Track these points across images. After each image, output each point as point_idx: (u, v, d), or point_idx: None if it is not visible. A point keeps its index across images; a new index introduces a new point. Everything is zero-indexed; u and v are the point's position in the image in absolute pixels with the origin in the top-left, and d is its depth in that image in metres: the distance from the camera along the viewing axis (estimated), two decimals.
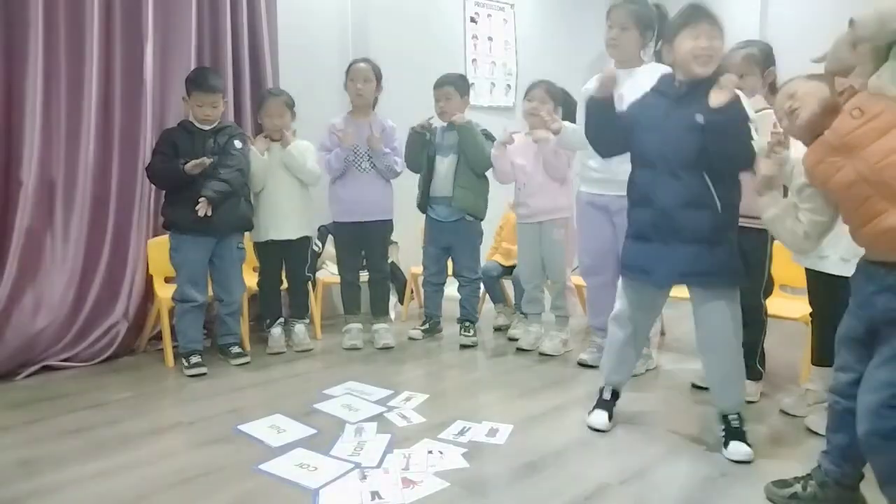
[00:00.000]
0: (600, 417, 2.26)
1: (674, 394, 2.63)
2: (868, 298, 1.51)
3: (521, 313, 3.45)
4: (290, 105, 3.20)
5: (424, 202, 3.39)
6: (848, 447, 1.61)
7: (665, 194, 1.98)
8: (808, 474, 1.72)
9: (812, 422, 2.17)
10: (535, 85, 3.10)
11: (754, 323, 2.49)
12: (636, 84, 2.36)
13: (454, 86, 3.26)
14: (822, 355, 2.17)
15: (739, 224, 2.37)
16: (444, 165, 3.31)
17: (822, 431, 2.07)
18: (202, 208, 2.79)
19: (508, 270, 3.66)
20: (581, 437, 2.22)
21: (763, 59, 2.33)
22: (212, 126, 2.93)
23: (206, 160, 2.81)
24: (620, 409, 2.37)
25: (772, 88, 2.35)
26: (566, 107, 3.10)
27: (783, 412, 2.36)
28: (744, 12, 4.92)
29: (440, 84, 3.27)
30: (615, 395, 2.31)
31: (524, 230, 3.23)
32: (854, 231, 1.53)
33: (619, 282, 2.23)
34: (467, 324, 3.41)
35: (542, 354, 3.16)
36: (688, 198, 1.95)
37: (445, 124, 3.33)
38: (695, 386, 2.64)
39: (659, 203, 1.99)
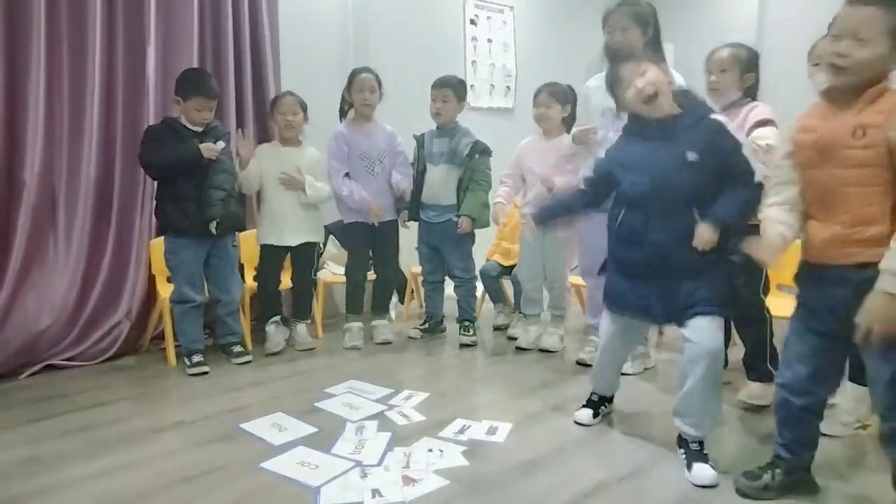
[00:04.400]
0: (584, 413, 2.33)
1: (671, 393, 2.64)
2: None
3: (521, 313, 3.46)
4: (304, 107, 3.22)
5: (415, 211, 3.41)
6: (805, 438, 1.76)
7: (658, 234, 1.93)
8: (772, 462, 1.79)
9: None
10: (539, 90, 3.13)
11: (757, 319, 2.48)
12: None
13: (453, 89, 3.27)
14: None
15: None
16: (436, 175, 3.32)
17: (828, 432, 2.08)
18: (213, 228, 2.85)
19: (508, 270, 3.68)
20: (580, 435, 2.24)
21: (746, 61, 2.39)
22: (203, 128, 2.93)
23: (220, 145, 2.87)
24: (619, 407, 2.39)
25: (747, 93, 2.41)
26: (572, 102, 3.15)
27: None
28: (742, 14, 4.94)
29: (439, 85, 3.28)
30: (603, 398, 2.36)
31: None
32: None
33: (605, 314, 2.19)
34: (466, 323, 3.42)
35: (541, 351, 3.20)
36: (682, 235, 1.90)
37: (435, 129, 3.36)
38: None
39: (652, 242, 1.94)
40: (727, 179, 1.90)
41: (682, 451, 1.99)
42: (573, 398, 2.54)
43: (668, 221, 1.92)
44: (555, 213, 2.30)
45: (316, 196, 3.20)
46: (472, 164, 3.26)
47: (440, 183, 3.31)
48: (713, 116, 1.95)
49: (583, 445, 2.16)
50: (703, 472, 1.89)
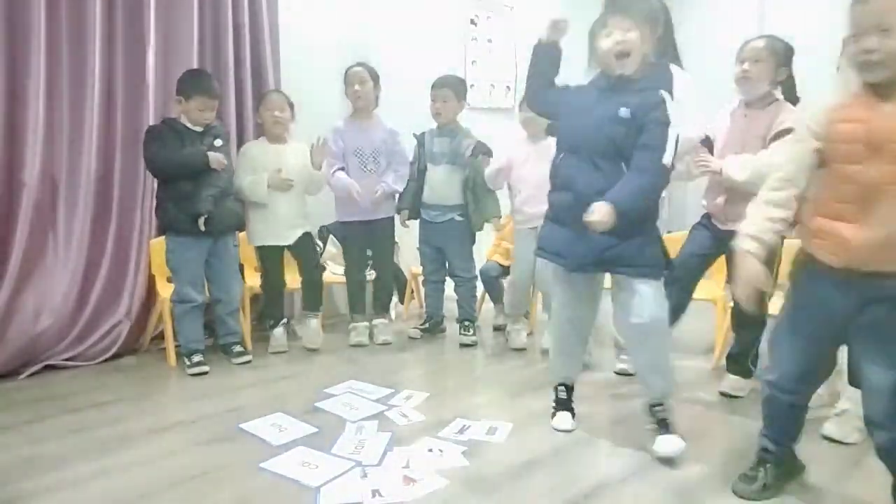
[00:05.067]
0: (564, 419, 2.28)
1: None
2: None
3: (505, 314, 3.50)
4: (291, 105, 3.22)
5: (416, 210, 3.41)
6: (792, 428, 1.78)
7: (584, 181, 1.99)
8: (761, 459, 1.81)
9: (830, 430, 2.16)
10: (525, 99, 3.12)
11: (757, 322, 2.50)
12: None
13: (452, 89, 3.28)
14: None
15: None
16: (437, 175, 3.33)
17: (842, 438, 2.10)
18: (202, 224, 2.84)
19: (508, 270, 3.67)
20: (580, 435, 2.24)
21: (782, 54, 2.34)
22: (203, 128, 2.94)
23: (219, 143, 2.90)
24: (619, 407, 2.39)
25: (786, 91, 2.38)
26: None
27: None
28: (742, 14, 4.93)
29: (438, 85, 3.29)
30: (570, 390, 2.34)
31: (521, 235, 3.23)
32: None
33: (550, 274, 2.25)
34: (466, 323, 3.43)
35: (544, 352, 3.20)
36: (605, 186, 1.95)
37: (436, 128, 3.36)
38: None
39: (577, 189, 2.00)
40: (639, 149, 1.93)
41: (650, 419, 2.11)
42: (573, 398, 2.54)
43: (595, 171, 1.98)
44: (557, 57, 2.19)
45: (316, 184, 3.22)
46: (476, 164, 3.27)
47: (442, 183, 3.32)
48: (661, 91, 1.97)
49: (583, 445, 2.16)
50: (664, 444, 2.02)
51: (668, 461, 2.00)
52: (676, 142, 1.96)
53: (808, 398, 1.75)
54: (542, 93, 2.20)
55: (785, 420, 1.76)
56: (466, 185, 3.31)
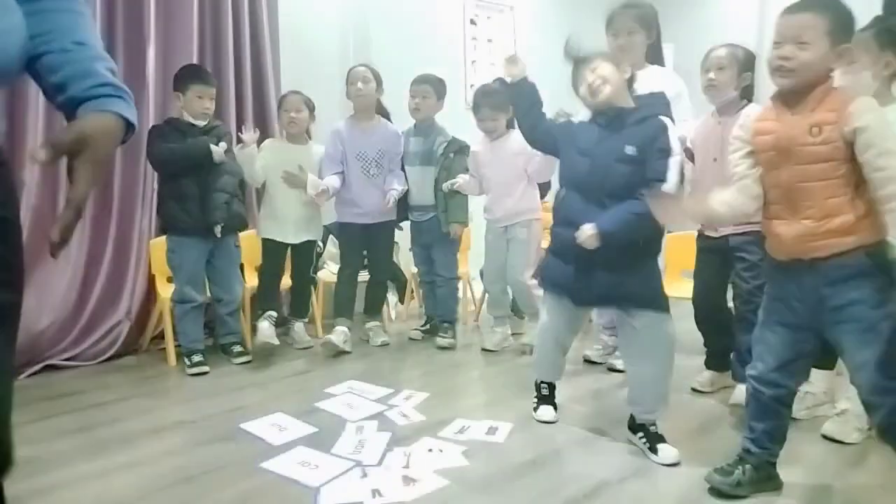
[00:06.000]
0: (547, 411, 2.35)
1: (671, 393, 2.64)
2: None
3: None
4: (310, 106, 3.23)
5: (404, 214, 3.40)
6: (775, 430, 1.78)
7: (589, 220, 1.97)
8: (742, 458, 1.81)
9: (830, 430, 2.16)
10: (479, 104, 3.07)
11: (720, 321, 2.53)
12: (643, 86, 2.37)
13: (432, 86, 3.26)
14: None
15: (749, 230, 2.40)
16: (413, 175, 3.31)
17: (842, 438, 2.11)
18: (218, 232, 2.89)
19: None
20: (580, 435, 2.24)
21: (744, 61, 2.40)
22: (206, 122, 2.95)
23: (223, 145, 2.90)
24: (618, 407, 2.39)
25: (743, 93, 2.42)
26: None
27: None
28: (742, 15, 4.94)
29: (419, 81, 3.28)
30: (552, 387, 2.40)
31: (491, 232, 3.23)
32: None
33: (543, 294, 2.29)
34: (445, 325, 3.37)
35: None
36: None
37: (412, 128, 3.34)
38: (694, 390, 2.66)
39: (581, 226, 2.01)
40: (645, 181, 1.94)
41: (640, 435, 2.09)
42: (573, 398, 2.55)
43: (601, 209, 1.98)
44: (532, 94, 2.25)
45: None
46: (447, 163, 3.25)
47: (417, 184, 3.30)
48: (661, 116, 1.98)
49: (583, 445, 2.16)
50: (668, 451, 2.01)
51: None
52: (681, 170, 1.96)
53: (790, 394, 1.76)
54: (534, 129, 2.24)
55: (766, 417, 1.76)
56: (437, 185, 3.25)
